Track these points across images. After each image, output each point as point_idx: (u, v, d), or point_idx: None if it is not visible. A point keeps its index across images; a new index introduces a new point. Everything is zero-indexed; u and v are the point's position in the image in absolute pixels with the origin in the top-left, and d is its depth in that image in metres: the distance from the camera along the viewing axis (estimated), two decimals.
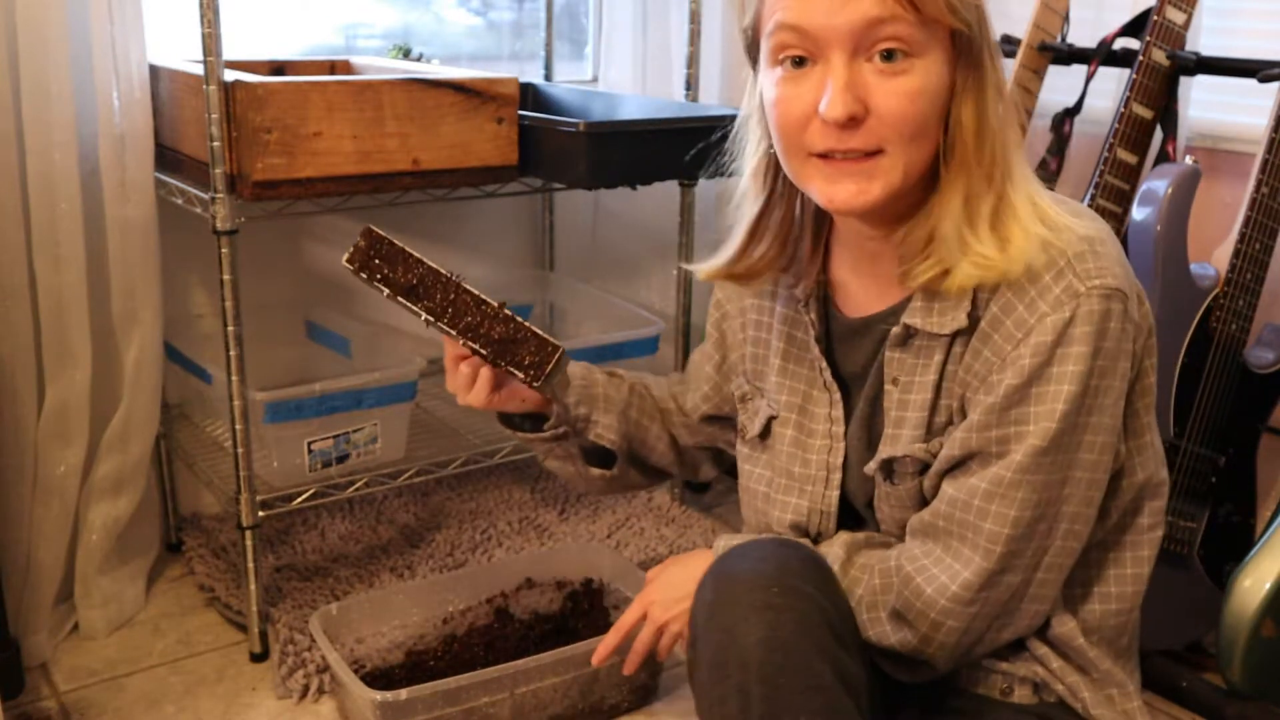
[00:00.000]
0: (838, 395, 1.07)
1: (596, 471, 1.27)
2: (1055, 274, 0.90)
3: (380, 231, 1.11)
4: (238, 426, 1.56)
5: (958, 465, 0.97)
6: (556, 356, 1.11)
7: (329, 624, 1.55)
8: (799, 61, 0.90)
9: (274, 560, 1.85)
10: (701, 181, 1.96)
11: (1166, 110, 1.67)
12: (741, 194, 1.07)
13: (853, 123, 0.88)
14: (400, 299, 1.11)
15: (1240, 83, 1.61)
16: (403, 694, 1.36)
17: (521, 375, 1.11)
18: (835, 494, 1.08)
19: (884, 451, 1.02)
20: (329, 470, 1.72)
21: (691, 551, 1.18)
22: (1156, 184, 1.52)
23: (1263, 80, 1.54)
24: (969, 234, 0.92)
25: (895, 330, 0.99)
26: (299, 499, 1.67)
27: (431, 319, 1.11)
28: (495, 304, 1.10)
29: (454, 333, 1.11)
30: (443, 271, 1.11)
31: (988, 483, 0.94)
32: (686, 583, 1.11)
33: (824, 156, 0.91)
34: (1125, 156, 1.65)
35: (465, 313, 1.10)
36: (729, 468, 1.28)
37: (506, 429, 1.25)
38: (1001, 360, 0.93)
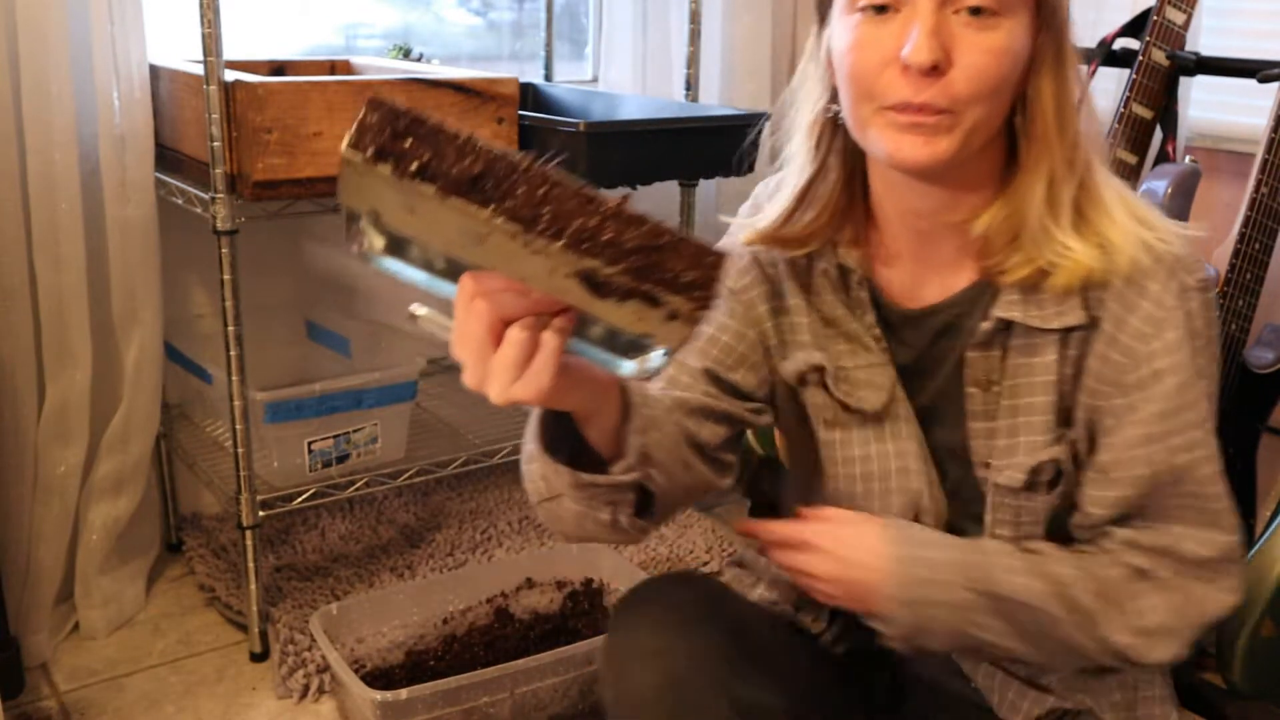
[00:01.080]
0: (899, 387, 1.00)
1: (641, 522, 0.95)
2: (1168, 271, 0.89)
3: (396, 102, 0.65)
4: (238, 426, 1.56)
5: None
6: (723, 265, 0.69)
7: (329, 624, 1.55)
8: (880, 9, 0.86)
9: (274, 560, 1.85)
10: (701, 182, 1.96)
11: (1166, 110, 1.67)
12: (788, 156, 1.01)
13: (934, 72, 0.84)
14: (460, 199, 0.64)
15: (1240, 83, 1.61)
16: (403, 694, 1.36)
17: (683, 302, 0.67)
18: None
19: (1013, 460, 0.94)
20: (329, 470, 1.72)
21: (859, 518, 1.00)
22: (1156, 184, 1.52)
23: (1262, 80, 1.54)
24: (1050, 222, 0.88)
25: (984, 326, 0.93)
26: (299, 499, 1.67)
27: (520, 227, 0.64)
28: (612, 199, 0.67)
29: (559, 245, 0.65)
30: (512, 153, 0.65)
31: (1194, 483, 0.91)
32: (854, 553, 0.97)
33: (894, 110, 0.86)
34: (1125, 156, 1.66)
35: (572, 213, 0.65)
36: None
37: (555, 462, 0.87)
38: (1135, 360, 0.89)
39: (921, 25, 0.83)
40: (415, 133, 0.64)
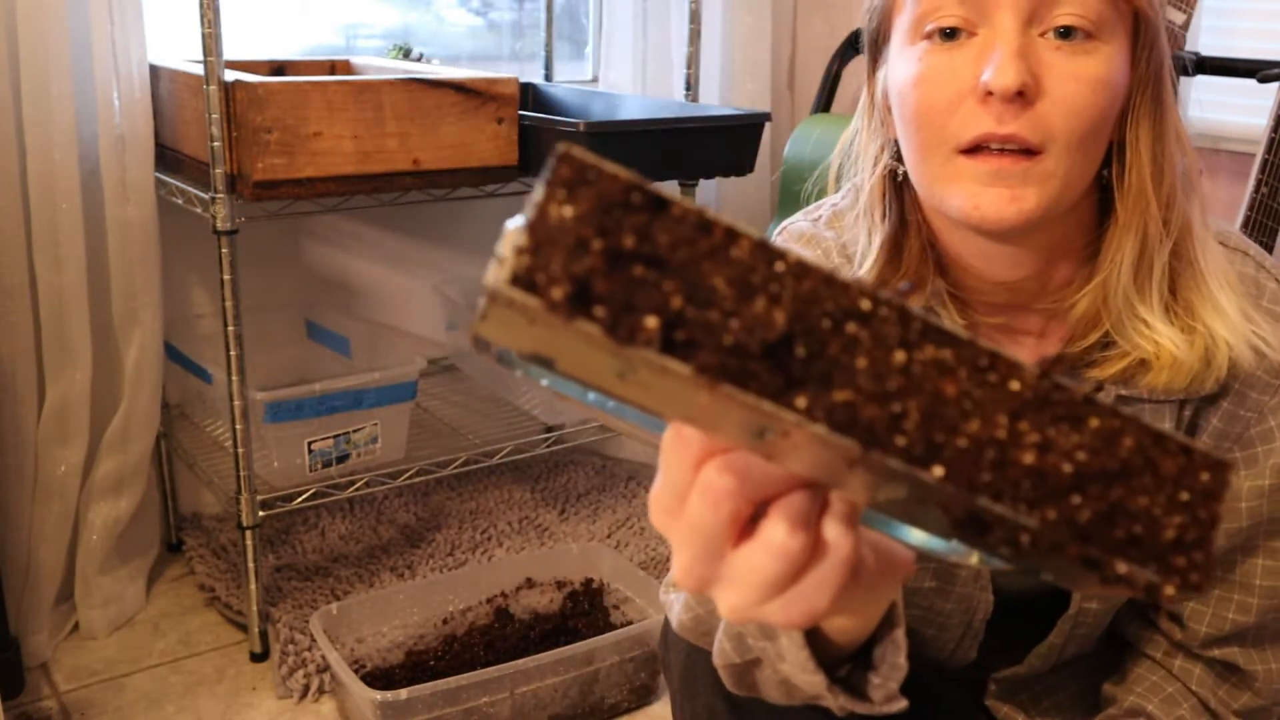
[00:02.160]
0: None
1: None
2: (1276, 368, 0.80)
3: (610, 170, 0.33)
4: (238, 426, 1.56)
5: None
6: (1225, 496, 0.38)
7: (329, 624, 1.55)
8: (950, 33, 0.72)
9: (274, 560, 1.85)
10: (702, 182, 1.96)
11: None
12: (852, 237, 0.85)
13: (1021, 100, 0.70)
14: (740, 389, 0.33)
15: (1240, 83, 1.61)
16: (403, 694, 1.36)
17: (1150, 575, 0.36)
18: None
19: None
20: (329, 470, 1.72)
21: None
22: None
23: (1262, 80, 1.54)
24: (1136, 298, 0.75)
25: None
26: (299, 499, 1.67)
27: (858, 444, 0.34)
28: (1028, 366, 0.36)
29: (934, 477, 0.35)
30: (834, 276, 0.34)
31: None
32: None
33: (973, 154, 0.72)
34: None
35: (958, 406, 0.35)
36: None
37: (833, 686, 0.63)
38: (1260, 412, 0.80)
39: (1005, 46, 0.70)
40: (656, 250, 0.33)
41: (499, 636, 1.61)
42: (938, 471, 0.34)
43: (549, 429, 1.96)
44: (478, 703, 1.41)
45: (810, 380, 0.33)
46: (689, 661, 0.88)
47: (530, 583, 1.73)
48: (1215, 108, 1.81)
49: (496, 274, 0.32)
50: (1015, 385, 0.35)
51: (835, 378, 0.34)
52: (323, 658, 1.57)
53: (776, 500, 0.40)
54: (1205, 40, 1.78)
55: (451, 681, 1.38)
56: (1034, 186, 0.71)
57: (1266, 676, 0.86)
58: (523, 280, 0.32)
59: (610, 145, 1.64)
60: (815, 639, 0.62)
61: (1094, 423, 0.36)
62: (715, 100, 2.26)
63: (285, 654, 1.60)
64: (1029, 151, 0.71)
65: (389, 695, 1.35)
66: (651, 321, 0.32)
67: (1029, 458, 0.35)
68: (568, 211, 0.32)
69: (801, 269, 0.33)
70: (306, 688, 1.57)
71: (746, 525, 0.41)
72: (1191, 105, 1.77)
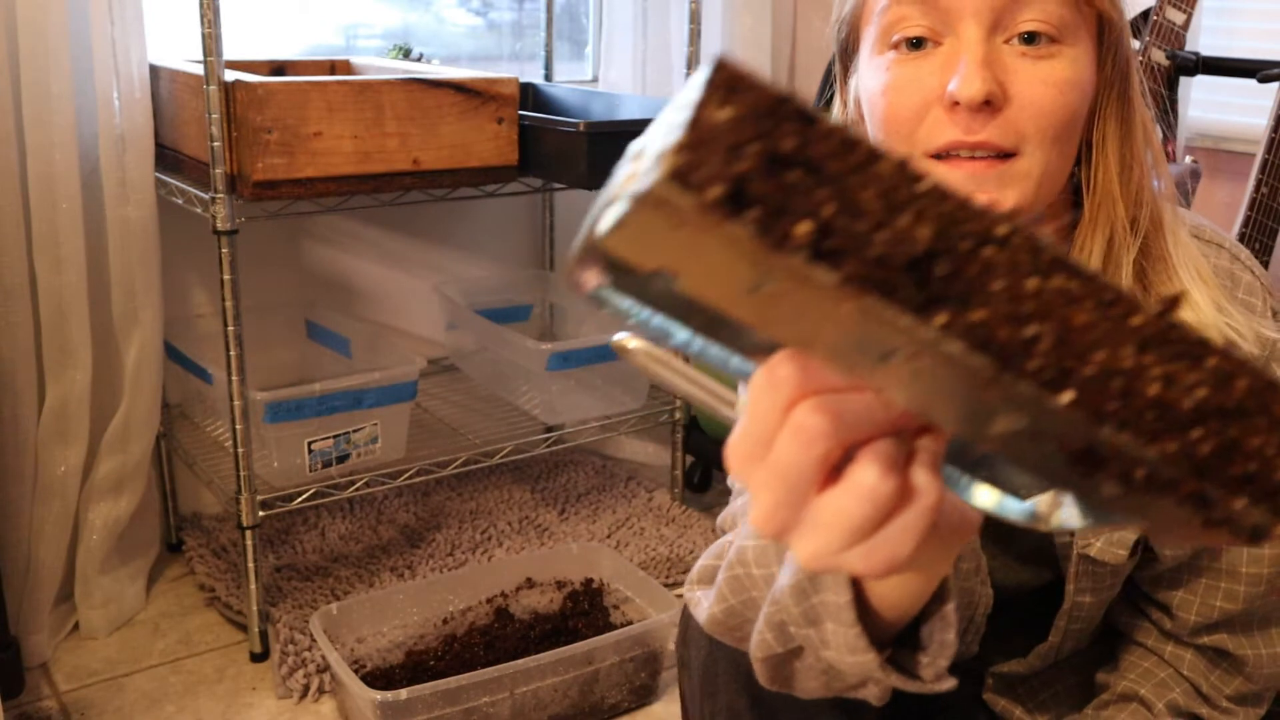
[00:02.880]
0: None
1: None
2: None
3: (766, 82, 0.32)
4: (238, 426, 1.57)
5: None
6: None
7: (329, 624, 1.55)
8: (916, 43, 0.74)
9: (274, 560, 1.85)
10: None
11: (1166, 110, 1.67)
12: None
13: (988, 109, 0.71)
14: (882, 299, 0.32)
15: (1240, 83, 1.61)
16: (403, 694, 1.36)
17: (1262, 515, 0.36)
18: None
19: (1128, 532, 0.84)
20: (329, 470, 1.72)
21: None
22: (1156, 184, 1.52)
23: (1262, 80, 1.54)
24: None
25: None
26: (299, 499, 1.67)
27: (992, 362, 0.33)
28: (1148, 305, 0.35)
29: (1062, 401, 0.34)
30: (974, 206, 0.33)
31: None
32: None
33: (944, 159, 0.73)
34: None
35: (1087, 334, 0.34)
36: None
37: (880, 659, 0.62)
38: None
39: (970, 56, 0.71)
40: (810, 157, 0.32)
41: (499, 636, 1.61)
42: (1067, 396, 0.34)
43: (549, 429, 1.96)
44: (478, 703, 1.41)
45: (949, 299, 0.33)
46: (710, 659, 0.88)
47: (530, 583, 1.73)
48: (1215, 108, 1.81)
49: (648, 174, 0.31)
50: (1138, 320, 0.35)
51: (973, 298, 0.33)
52: (323, 658, 1.57)
53: (865, 445, 0.40)
54: (1205, 40, 1.78)
55: (451, 681, 1.38)
56: (1012, 188, 0.72)
57: (1257, 661, 0.87)
58: (680, 178, 0.31)
59: (610, 145, 1.64)
60: (863, 621, 0.62)
61: (1211, 362, 0.35)
62: None
63: (285, 654, 1.60)
64: (1002, 155, 0.72)
65: (389, 695, 1.35)
66: (804, 227, 0.32)
67: (1154, 389, 0.35)
68: (725, 114, 0.31)
69: (941, 192, 0.33)
70: (306, 688, 1.57)
71: (830, 472, 0.40)
72: (1192, 105, 1.77)
